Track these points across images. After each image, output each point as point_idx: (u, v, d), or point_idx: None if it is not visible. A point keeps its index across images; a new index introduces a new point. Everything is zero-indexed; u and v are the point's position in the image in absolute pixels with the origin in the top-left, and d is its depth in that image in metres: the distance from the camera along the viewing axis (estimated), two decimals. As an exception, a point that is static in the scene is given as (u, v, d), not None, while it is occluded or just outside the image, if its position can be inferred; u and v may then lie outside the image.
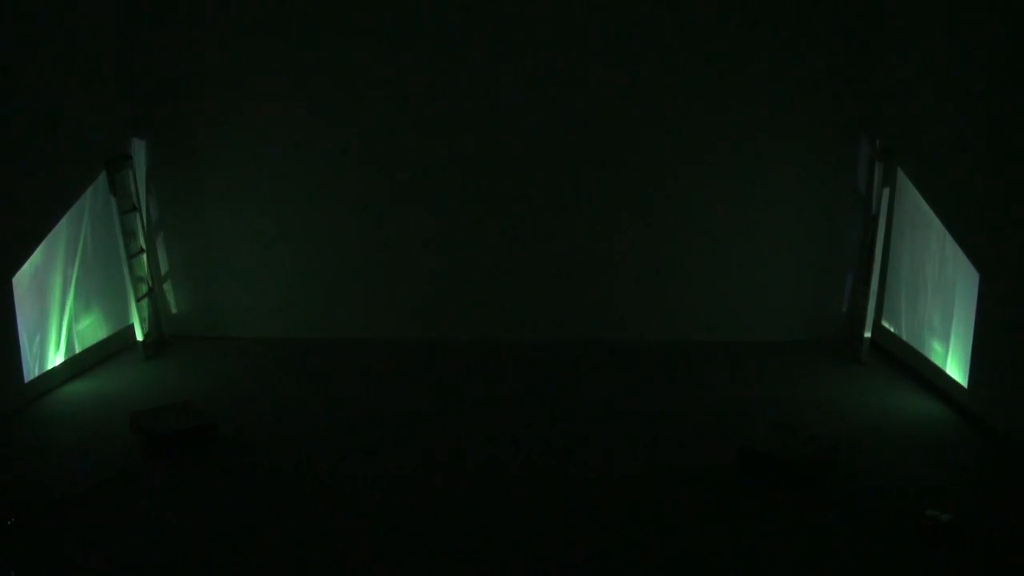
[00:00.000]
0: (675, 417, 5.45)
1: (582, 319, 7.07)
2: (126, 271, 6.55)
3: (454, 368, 6.45)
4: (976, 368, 5.33)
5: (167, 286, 7.10)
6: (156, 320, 6.88)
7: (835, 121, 6.77)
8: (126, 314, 6.80)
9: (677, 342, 6.95)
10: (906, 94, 6.37)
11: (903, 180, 6.37)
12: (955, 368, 5.60)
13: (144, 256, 6.80)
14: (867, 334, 6.54)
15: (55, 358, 5.95)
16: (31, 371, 5.67)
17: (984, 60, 5.34)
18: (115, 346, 6.68)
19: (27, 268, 5.60)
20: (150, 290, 6.83)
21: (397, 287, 7.07)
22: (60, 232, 5.98)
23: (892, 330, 6.60)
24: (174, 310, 7.13)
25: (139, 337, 6.62)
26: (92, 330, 6.43)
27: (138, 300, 6.62)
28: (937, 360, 5.85)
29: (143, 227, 6.84)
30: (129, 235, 6.54)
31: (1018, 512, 4.21)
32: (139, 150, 6.88)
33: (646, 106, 6.78)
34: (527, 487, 4.48)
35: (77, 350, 6.21)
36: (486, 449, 4.96)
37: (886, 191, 6.33)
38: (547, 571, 3.72)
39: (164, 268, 7.06)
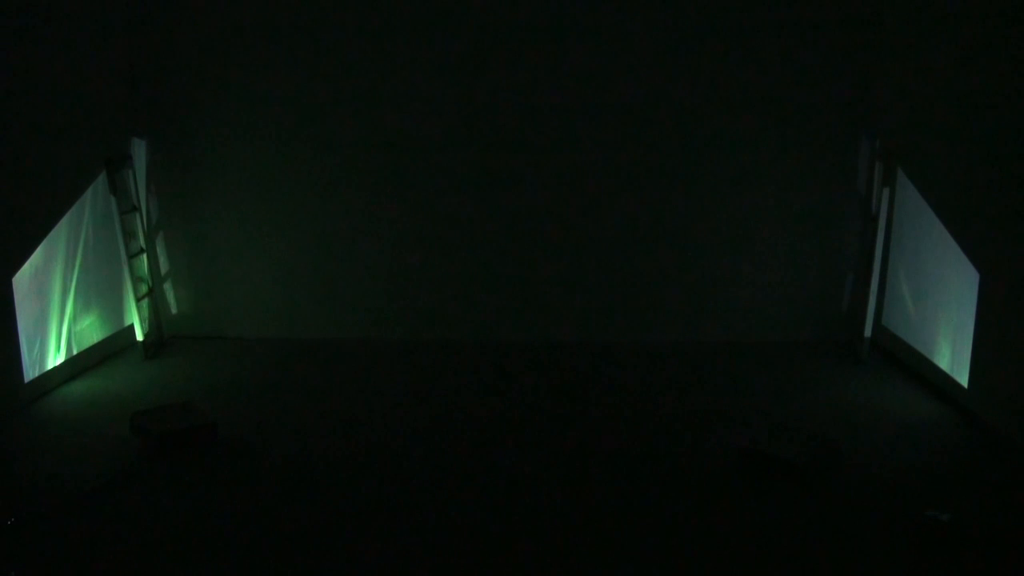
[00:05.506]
0: (675, 417, 5.45)
1: (583, 321, 7.07)
2: (126, 271, 6.54)
3: (454, 369, 6.45)
4: (976, 368, 5.33)
5: (167, 286, 7.10)
6: (156, 320, 6.88)
7: (835, 121, 6.78)
8: (126, 314, 6.80)
9: (677, 342, 6.95)
10: (906, 94, 6.37)
11: (903, 180, 6.37)
12: (955, 368, 5.60)
13: (144, 256, 6.81)
14: (867, 334, 6.54)
15: (55, 358, 5.95)
16: (31, 371, 5.66)
17: (984, 60, 5.34)
18: (115, 346, 6.69)
19: (27, 268, 5.60)
20: (150, 290, 6.83)
21: (397, 287, 7.07)
22: (60, 232, 5.98)
23: (892, 330, 6.61)
24: (174, 310, 7.13)
25: (139, 337, 6.62)
26: (92, 330, 6.43)
27: (138, 300, 6.62)
28: (937, 360, 5.85)
29: (143, 227, 6.84)
30: (129, 235, 6.54)
31: (1018, 512, 4.21)
32: (139, 150, 6.88)
33: (647, 107, 6.78)
34: (528, 487, 4.48)
35: (77, 350, 6.21)
36: (486, 448, 4.97)
37: (886, 191, 6.33)
38: (545, 569, 3.72)
39: (164, 268, 7.06)
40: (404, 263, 7.03)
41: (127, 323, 6.82)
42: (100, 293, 6.53)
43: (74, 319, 6.19)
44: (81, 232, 6.25)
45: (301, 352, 6.79)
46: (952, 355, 5.65)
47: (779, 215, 6.90)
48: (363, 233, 7.00)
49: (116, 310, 6.74)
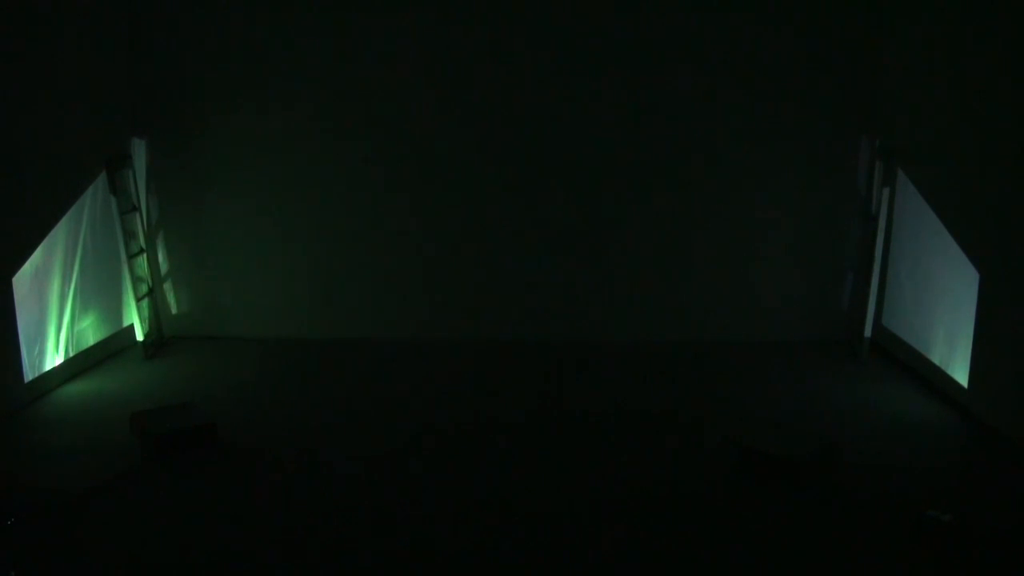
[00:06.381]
0: (675, 417, 5.45)
1: (584, 320, 7.06)
2: (126, 271, 6.55)
3: (453, 368, 6.45)
4: (976, 368, 5.32)
5: (167, 286, 7.10)
6: (156, 320, 6.88)
7: (835, 121, 6.77)
8: (126, 314, 6.80)
9: (677, 342, 6.95)
10: (906, 94, 6.37)
11: (903, 180, 6.37)
12: (955, 368, 5.59)
13: (144, 256, 6.80)
14: (867, 334, 6.54)
15: (55, 358, 5.94)
16: (31, 371, 5.66)
17: (984, 60, 5.34)
18: (115, 346, 6.68)
19: (27, 268, 5.60)
20: (150, 290, 6.83)
21: (397, 287, 7.06)
22: (60, 232, 5.98)
23: (892, 330, 6.60)
24: (174, 310, 7.12)
25: (139, 337, 6.62)
26: (92, 330, 6.43)
27: (138, 300, 6.62)
28: (937, 360, 5.85)
29: (143, 227, 6.84)
30: (129, 235, 6.54)
31: (1018, 512, 4.21)
32: (139, 150, 6.88)
33: (649, 109, 6.78)
34: (527, 486, 4.48)
35: (77, 350, 6.20)
36: (487, 448, 4.97)
37: (886, 191, 6.33)
38: (544, 569, 3.72)
39: (164, 268, 7.06)
40: (404, 262, 7.03)
41: (127, 323, 6.82)
42: (100, 293, 6.53)
43: (74, 319, 6.18)
44: (81, 232, 6.25)
45: (301, 352, 6.78)
46: (952, 355, 5.65)
47: (779, 215, 6.90)
48: (363, 233, 6.99)
49: (116, 310, 6.74)
